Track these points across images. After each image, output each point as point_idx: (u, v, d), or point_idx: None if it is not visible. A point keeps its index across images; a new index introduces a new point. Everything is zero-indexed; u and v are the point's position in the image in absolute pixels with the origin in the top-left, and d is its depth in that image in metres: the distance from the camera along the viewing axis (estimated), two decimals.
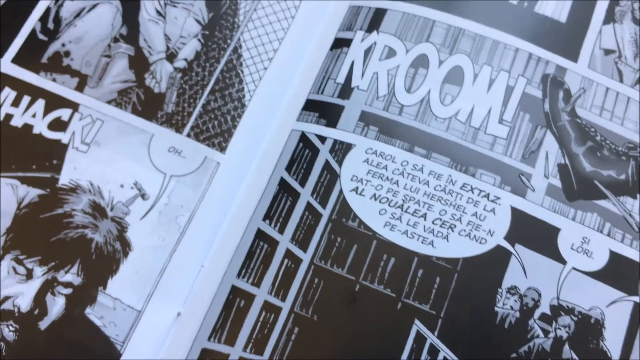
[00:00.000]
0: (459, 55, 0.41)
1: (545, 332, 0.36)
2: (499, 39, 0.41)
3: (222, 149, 0.41)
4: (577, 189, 0.39)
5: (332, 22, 0.43)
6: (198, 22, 0.43)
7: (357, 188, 0.38)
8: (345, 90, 0.41)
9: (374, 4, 0.43)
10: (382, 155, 0.39)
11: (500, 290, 0.36)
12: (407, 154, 0.39)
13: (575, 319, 0.37)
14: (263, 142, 0.41)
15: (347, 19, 0.43)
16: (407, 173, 0.38)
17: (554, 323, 0.36)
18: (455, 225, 0.37)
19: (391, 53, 0.41)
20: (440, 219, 0.37)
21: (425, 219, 0.37)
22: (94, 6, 0.44)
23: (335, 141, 0.39)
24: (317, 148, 0.39)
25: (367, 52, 0.41)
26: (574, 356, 0.36)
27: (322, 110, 0.40)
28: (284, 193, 0.39)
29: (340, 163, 0.39)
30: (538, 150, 0.39)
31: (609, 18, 0.42)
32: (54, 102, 0.42)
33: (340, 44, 0.42)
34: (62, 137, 0.41)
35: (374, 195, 0.38)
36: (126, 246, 0.39)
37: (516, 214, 0.38)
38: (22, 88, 0.42)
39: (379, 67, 0.41)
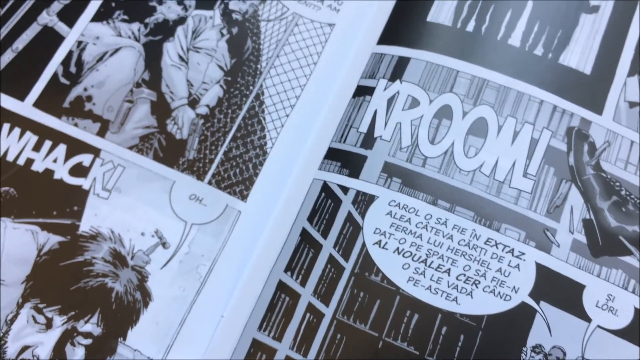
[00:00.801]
0: (483, 106, 0.40)
1: None
2: (524, 91, 0.41)
3: (244, 197, 0.41)
4: (602, 244, 0.38)
5: (355, 69, 0.43)
6: (220, 68, 0.43)
7: (380, 241, 0.38)
8: (368, 139, 0.40)
9: (397, 52, 0.43)
10: (405, 208, 0.38)
11: (524, 348, 0.36)
12: (430, 207, 0.38)
13: None
14: (284, 190, 0.40)
15: (370, 66, 0.43)
16: (431, 227, 0.38)
17: None
18: (479, 281, 0.37)
19: (414, 103, 0.41)
20: (465, 275, 0.37)
21: (449, 275, 0.37)
22: (116, 50, 0.44)
23: (358, 192, 0.39)
24: (339, 199, 0.39)
25: (390, 101, 0.41)
26: None
27: (345, 159, 0.40)
28: (306, 244, 0.38)
29: (363, 215, 0.39)
30: (563, 205, 0.39)
31: (634, 70, 0.42)
32: (75, 147, 0.41)
33: (363, 91, 0.42)
34: (83, 183, 0.41)
35: (397, 249, 0.38)
36: (146, 296, 0.39)
37: (541, 270, 0.37)
38: (43, 132, 0.42)
39: (402, 117, 0.41)
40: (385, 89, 0.42)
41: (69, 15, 0.45)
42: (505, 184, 0.39)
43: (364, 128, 0.41)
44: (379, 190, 0.39)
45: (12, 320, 0.38)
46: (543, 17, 0.42)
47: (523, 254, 0.37)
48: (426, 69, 0.42)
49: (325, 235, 0.38)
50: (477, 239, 0.38)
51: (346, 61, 0.44)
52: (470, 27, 0.42)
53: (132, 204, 0.40)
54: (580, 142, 0.40)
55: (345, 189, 0.39)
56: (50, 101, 0.43)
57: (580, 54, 0.42)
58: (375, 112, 0.41)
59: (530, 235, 0.38)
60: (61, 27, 0.45)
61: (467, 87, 0.41)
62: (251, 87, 0.43)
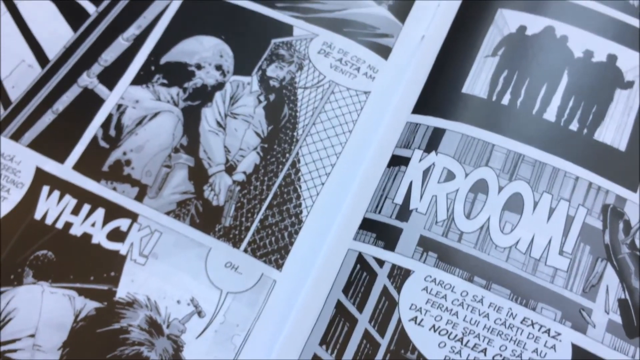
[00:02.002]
0: (519, 182, 0.41)
1: None
2: (559, 167, 0.41)
3: (279, 266, 0.41)
4: (637, 325, 0.38)
5: (389, 137, 0.44)
6: (257, 134, 0.44)
7: (416, 318, 0.38)
8: (404, 211, 0.41)
9: (432, 123, 0.43)
10: (441, 284, 0.39)
11: None
12: (466, 284, 0.38)
13: None
14: (319, 260, 0.41)
15: (405, 135, 0.43)
16: (467, 304, 0.38)
17: None
18: None
19: (450, 176, 0.41)
20: (501, 355, 0.37)
21: (485, 354, 0.37)
22: (155, 115, 0.44)
23: (393, 265, 0.39)
24: (375, 272, 0.39)
25: (426, 173, 0.42)
26: None
27: (380, 231, 0.41)
28: (341, 317, 0.39)
29: (398, 290, 0.39)
30: (599, 284, 0.39)
31: None
32: (113, 211, 0.42)
33: (398, 161, 0.43)
34: (121, 248, 0.41)
35: (434, 326, 0.38)
36: None
37: (577, 351, 0.37)
38: (82, 196, 0.42)
39: (437, 190, 0.41)
40: (420, 160, 0.42)
41: (109, 78, 0.46)
42: (541, 262, 0.39)
43: (399, 199, 0.41)
44: (415, 264, 0.39)
45: None
46: (578, 92, 0.43)
47: (559, 334, 0.37)
48: (462, 141, 0.42)
49: (360, 308, 0.39)
50: (514, 318, 0.38)
51: (381, 129, 0.44)
52: (505, 100, 0.43)
53: (168, 270, 0.41)
54: (616, 220, 0.40)
55: (380, 262, 0.40)
56: (89, 164, 0.43)
57: (615, 130, 0.42)
58: (411, 183, 0.41)
59: (567, 315, 0.38)
60: (101, 89, 0.45)
61: (503, 161, 0.41)
62: (287, 155, 0.43)
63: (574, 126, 0.42)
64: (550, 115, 0.42)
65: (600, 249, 0.40)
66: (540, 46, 0.44)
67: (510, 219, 0.40)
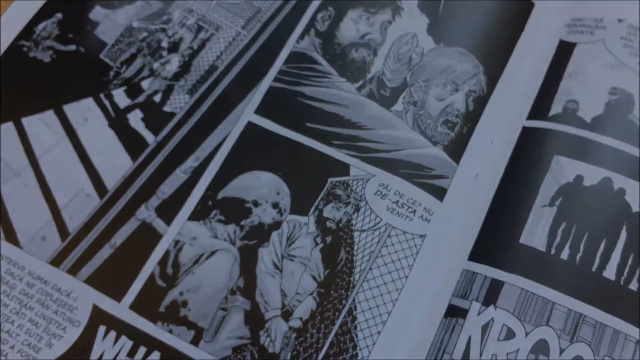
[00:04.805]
0: (580, 344, 0.40)
1: None
2: (620, 329, 0.41)
3: None
4: None
5: (446, 285, 0.44)
6: (314, 278, 0.44)
7: None
8: None
9: (489, 273, 0.43)
10: None
11: None
12: None
13: None
14: None
15: (462, 284, 0.43)
16: None
17: None
18: None
19: (510, 334, 0.41)
20: None
21: None
22: (212, 253, 0.45)
23: None
24: None
25: (485, 328, 0.41)
26: None
27: None
28: None
29: None
30: None
31: None
32: (169, 355, 0.42)
33: (455, 312, 0.42)
34: None
35: None
36: None
37: None
38: (138, 338, 0.42)
39: (498, 349, 0.41)
40: (479, 313, 0.42)
41: (167, 212, 0.46)
42: None
43: (457, 355, 0.41)
44: None
45: None
46: (637, 249, 0.43)
47: None
48: (521, 296, 0.42)
49: None
50: None
51: (436, 276, 0.44)
52: (564, 254, 0.43)
53: None
54: None
55: None
56: (146, 304, 0.43)
57: None
58: (470, 339, 0.41)
59: None
60: (159, 224, 0.46)
61: (564, 321, 0.41)
62: (344, 301, 0.43)
63: (633, 286, 0.42)
64: (610, 273, 0.42)
65: None
66: (598, 199, 0.44)
67: None
